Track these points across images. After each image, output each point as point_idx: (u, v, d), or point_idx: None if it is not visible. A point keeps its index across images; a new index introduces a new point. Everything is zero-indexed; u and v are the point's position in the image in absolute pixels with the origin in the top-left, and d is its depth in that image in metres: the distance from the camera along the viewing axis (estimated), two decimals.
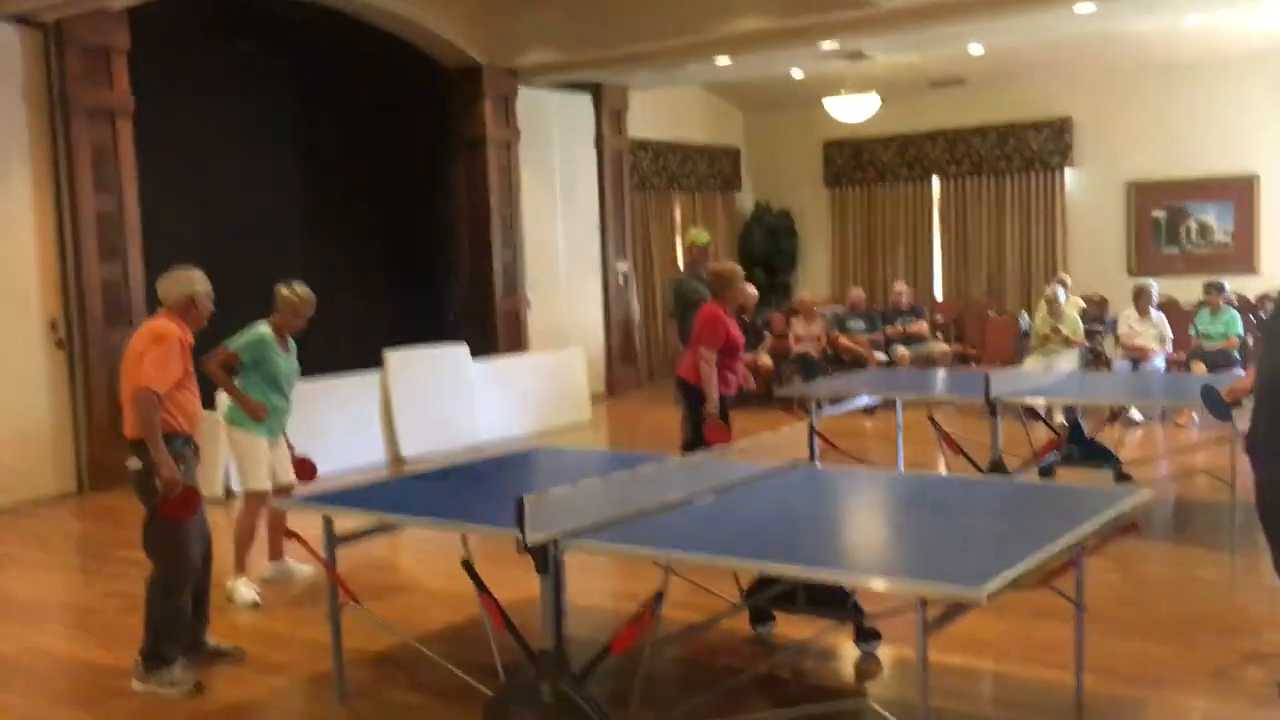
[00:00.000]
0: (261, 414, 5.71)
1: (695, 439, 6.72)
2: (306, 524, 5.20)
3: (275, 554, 6.07)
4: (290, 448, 6.00)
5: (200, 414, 4.84)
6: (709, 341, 6.47)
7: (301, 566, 6.02)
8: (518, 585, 5.16)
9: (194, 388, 4.79)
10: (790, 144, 15.62)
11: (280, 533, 5.78)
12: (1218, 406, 3.81)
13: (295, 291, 5.83)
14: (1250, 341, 10.06)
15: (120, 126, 8.82)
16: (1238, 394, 3.92)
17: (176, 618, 4.62)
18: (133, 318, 8.71)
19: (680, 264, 14.31)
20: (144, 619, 4.63)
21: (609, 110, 13.16)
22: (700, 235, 8.50)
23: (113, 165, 8.79)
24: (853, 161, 15.14)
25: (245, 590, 5.71)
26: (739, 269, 6.89)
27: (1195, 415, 9.76)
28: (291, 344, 5.94)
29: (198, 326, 4.85)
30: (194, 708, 4.42)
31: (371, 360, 9.86)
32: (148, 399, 4.50)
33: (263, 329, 5.78)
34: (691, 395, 6.70)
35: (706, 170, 15.14)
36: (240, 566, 5.80)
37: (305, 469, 5.95)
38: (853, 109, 12.76)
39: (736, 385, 6.74)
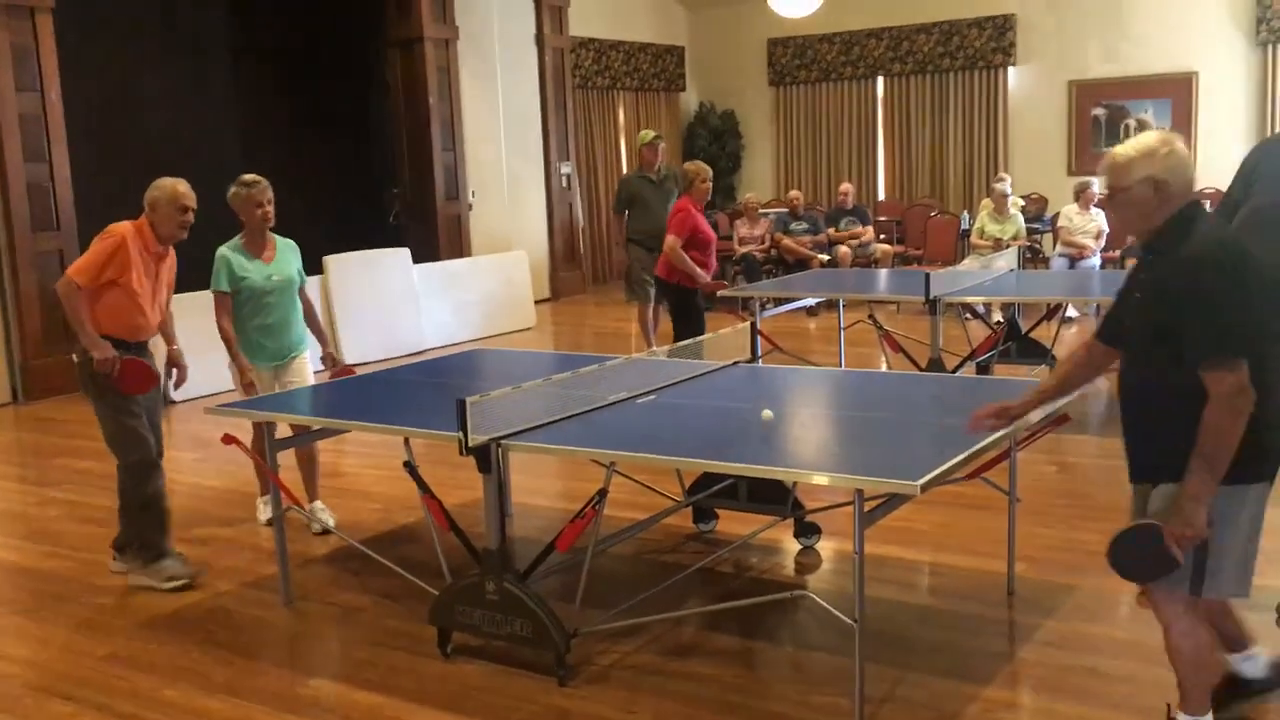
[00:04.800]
0: (247, 375, 5.04)
1: (684, 329, 7.08)
2: (248, 429, 5.17)
3: (311, 495, 5.42)
4: (332, 359, 5.36)
5: (147, 326, 4.62)
6: (675, 230, 7.14)
7: (324, 517, 5.28)
8: (462, 488, 5.21)
9: (145, 296, 4.55)
10: (734, 42, 15.40)
11: (314, 474, 5.37)
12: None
13: (240, 182, 5.13)
14: None
15: (40, 23, 8.47)
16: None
17: (154, 504, 4.61)
18: (60, 222, 8.50)
19: (625, 164, 14.21)
20: (120, 514, 4.67)
21: (549, 7, 12.86)
22: (644, 134, 9.22)
23: (34, 64, 8.46)
24: (796, 60, 14.99)
25: (324, 515, 5.27)
26: (703, 167, 7.38)
27: None
28: (280, 246, 5.32)
29: (169, 236, 4.60)
30: (136, 611, 4.42)
31: (311, 266, 9.65)
32: (63, 287, 4.48)
33: (220, 250, 5.18)
34: (667, 290, 7.36)
35: (650, 69, 14.92)
36: (264, 489, 5.35)
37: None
38: (796, 4, 12.57)
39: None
